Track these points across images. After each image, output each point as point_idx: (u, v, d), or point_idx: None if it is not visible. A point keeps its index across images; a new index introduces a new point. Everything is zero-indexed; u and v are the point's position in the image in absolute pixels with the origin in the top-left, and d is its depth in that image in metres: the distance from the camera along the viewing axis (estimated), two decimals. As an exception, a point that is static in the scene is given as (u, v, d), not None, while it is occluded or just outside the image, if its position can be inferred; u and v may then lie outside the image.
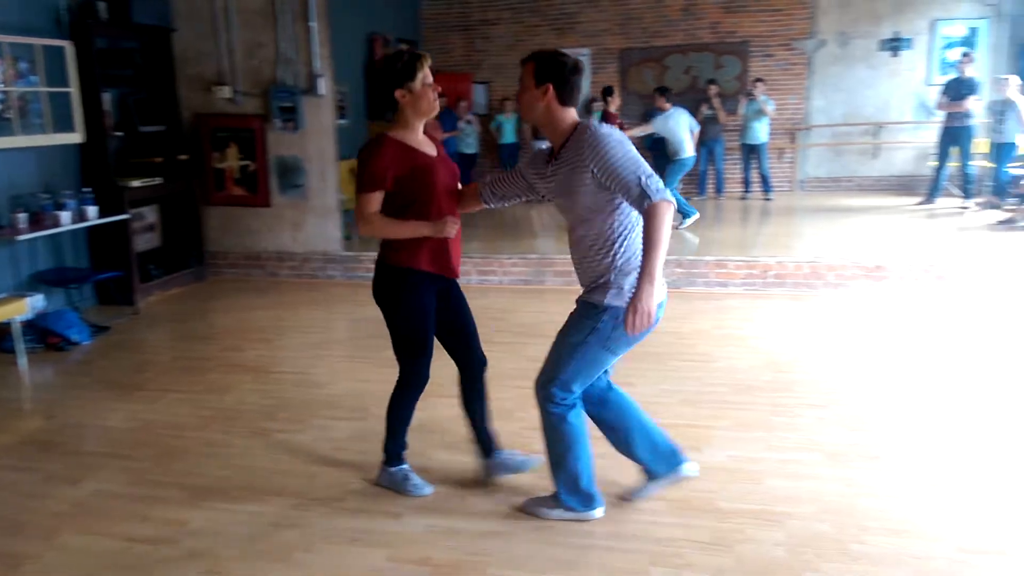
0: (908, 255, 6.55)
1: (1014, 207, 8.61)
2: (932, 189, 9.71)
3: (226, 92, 7.20)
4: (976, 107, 9.25)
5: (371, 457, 3.56)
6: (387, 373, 4.63)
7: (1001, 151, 9.11)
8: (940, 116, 9.62)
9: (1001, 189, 9.14)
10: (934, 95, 10.05)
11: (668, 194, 2.48)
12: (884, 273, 6.25)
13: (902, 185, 11.25)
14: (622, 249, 2.64)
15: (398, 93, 2.97)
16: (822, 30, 11.33)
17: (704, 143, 11.19)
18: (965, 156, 9.33)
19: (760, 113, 10.60)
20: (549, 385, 2.80)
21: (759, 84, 10.69)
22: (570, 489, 2.90)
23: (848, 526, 2.85)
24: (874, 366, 4.58)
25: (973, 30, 10.87)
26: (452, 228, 2.92)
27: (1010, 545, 2.71)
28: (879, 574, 2.56)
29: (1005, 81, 9.10)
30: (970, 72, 9.22)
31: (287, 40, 7.09)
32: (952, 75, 9.61)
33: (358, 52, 10.32)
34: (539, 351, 4.90)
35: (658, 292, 2.50)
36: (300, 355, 5.21)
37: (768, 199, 10.80)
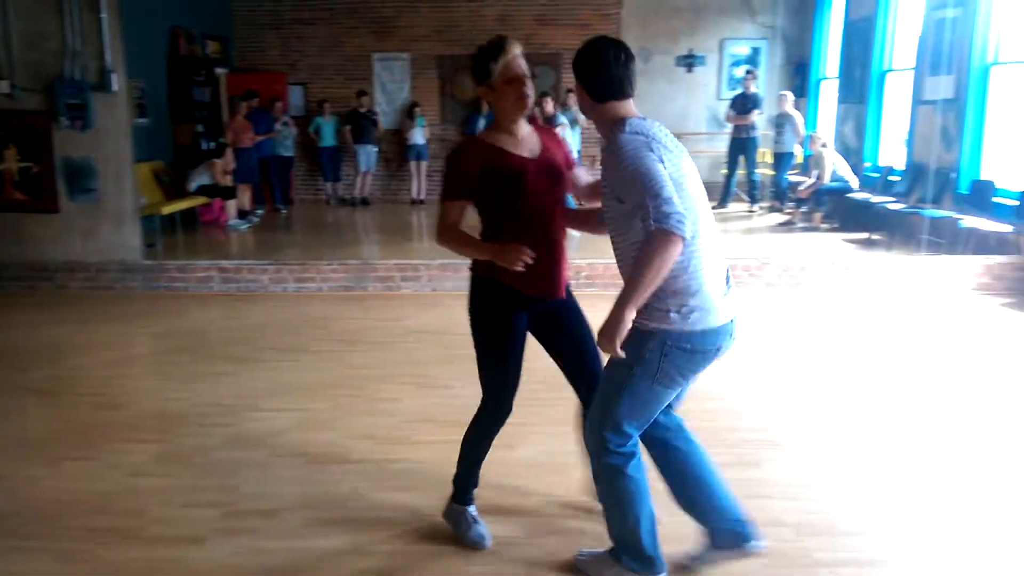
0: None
1: (792, 210, 9.61)
2: (724, 195, 10.62)
3: (3, 87, 6.48)
4: (759, 120, 10.22)
5: (177, 480, 3.35)
6: (196, 390, 4.41)
7: (780, 160, 10.16)
8: (729, 128, 10.54)
9: (781, 194, 10.17)
10: (724, 109, 10.99)
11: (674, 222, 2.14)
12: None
13: (700, 191, 12.21)
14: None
15: (480, 90, 2.69)
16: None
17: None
18: (751, 165, 10.29)
19: (575, 123, 11.08)
20: (600, 430, 2.43)
21: (571, 95, 11.18)
22: (631, 551, 2.52)
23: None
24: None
25: (756, 49, 12.02)
26: (516, 257, 2.45)
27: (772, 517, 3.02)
28: (675, 551, 2.75)
29: (783, 96, 10.15)
30: (753, 88, 10.18)
31: (74, 32, 6.50)
32: (739, 91, 10.56)
33: (159, 46, 9.66)
34: (362, 359, 4.91)
35: (723, 314, 2.31)
36: (95, 374, 4.79)
37: (580, 204, 11.31)
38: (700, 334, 2.28)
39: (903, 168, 9.13)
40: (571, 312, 2.83)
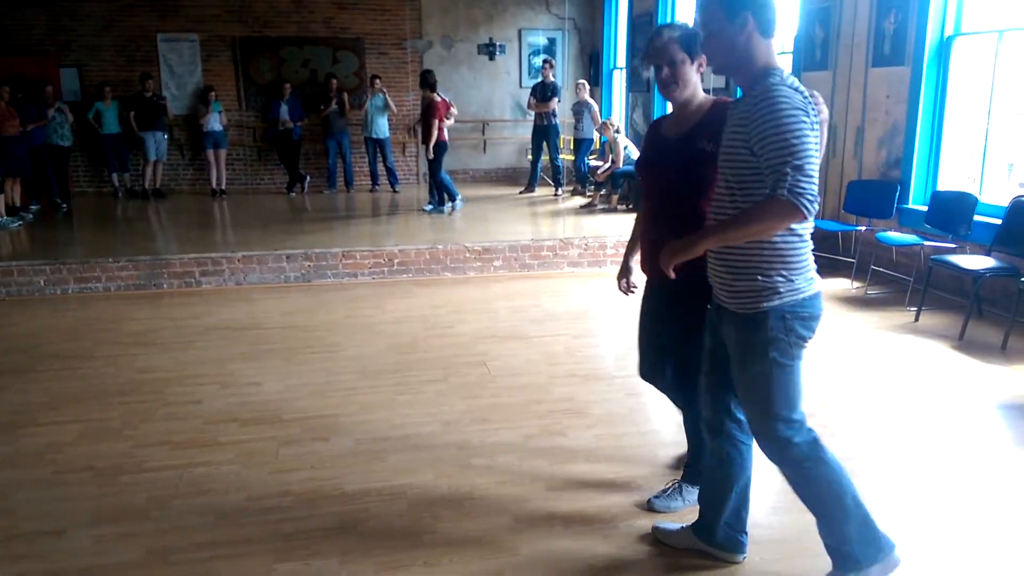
0: (511, 239, 7.33)
1: (592, 193, 10.13)
2: (531, 179, 10.99)
3: None
4: (558, 108, 10.65)
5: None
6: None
7: (580, 146, 10.66)
8: (531, 115, 10.90)
9: (582, 178, 10.69)
10: (526, 96, 11.35)
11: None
12: (492, 255, 6.93)
13: (507, 176, 12.56)
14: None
15: None
16: (429, 32, 12.08)
17: (332, 136, 11.27)
18: (553, 150, 10.70)
19: (384, 109, 10.97)
20: (772, 433, 2.27)
21: (376, 81, 11.05)
22: (865, 541, 2.31)
23: (461, 484, 3.12)
24: (485, 339, 5.06)
25: (552, 39, 12.50)
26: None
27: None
28: (488, 524, 2.85)
29: (580, 85, 10.65)
30: (552, 77, 10.58)
31: None
32: (538, 79, 10.93)
33: None
34: (155, 361, 4.60)
35: (814, 284, 2.22)
36: None
37: (395, 191, 11.25)
38: (811, 298, 2.23)
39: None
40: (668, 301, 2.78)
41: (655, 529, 2.76)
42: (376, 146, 11.24)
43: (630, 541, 2.73)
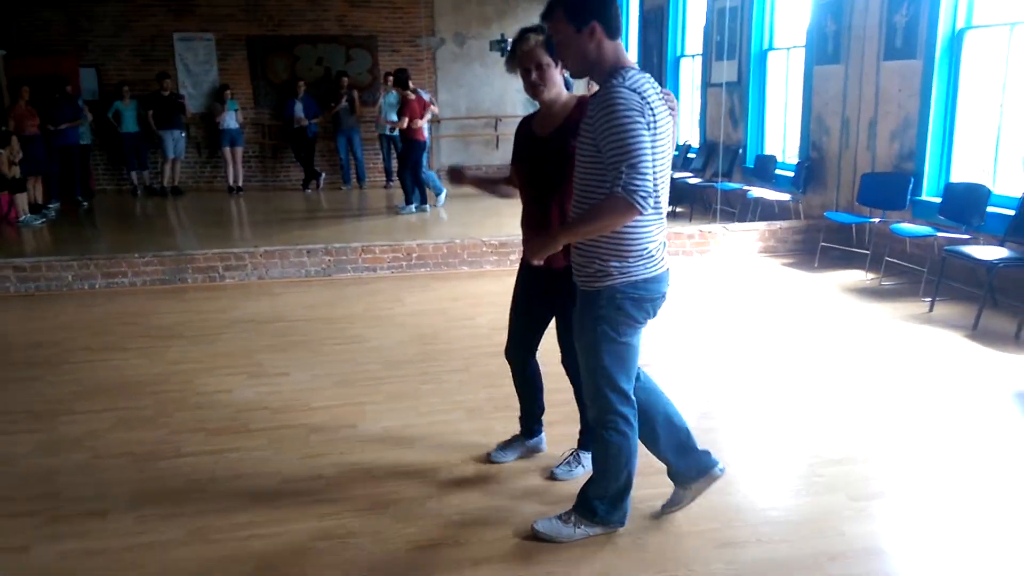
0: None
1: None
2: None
3: None
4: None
5: (-18, 493, 3.10)
6: (-5, 396, 4.05)
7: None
8: (545, 110, 10.97)
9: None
10: (539, 91, 11.41)
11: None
12: (508, 249, 7.02)
13: (520, 171, 12.64)
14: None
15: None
16: (441, 29, 12.18)
17: (341, 132, 11.39)
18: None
19: (396, 105, 11.06)
20: (599, 396, 2.53)
21: (390, 78, 11.15)
22: (612, 503, 2.67)
23: (488, 468, 3.22)
24: (504, 330, 5.14)
25: (565, 36, 12.57)
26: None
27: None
28: (516, 507, 2.95)
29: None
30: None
31: None
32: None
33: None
34: (185, 353, 4.72)
35: (662, 263, 2.45)
36: None
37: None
38: (643, 282, 2.42)
39: (698, 146, 9.98)
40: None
41: (661, 508, 2.87)
42: (390, 143, 11.34)
43: (648, 514, 2.82)
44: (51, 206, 9.47)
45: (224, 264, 6.56)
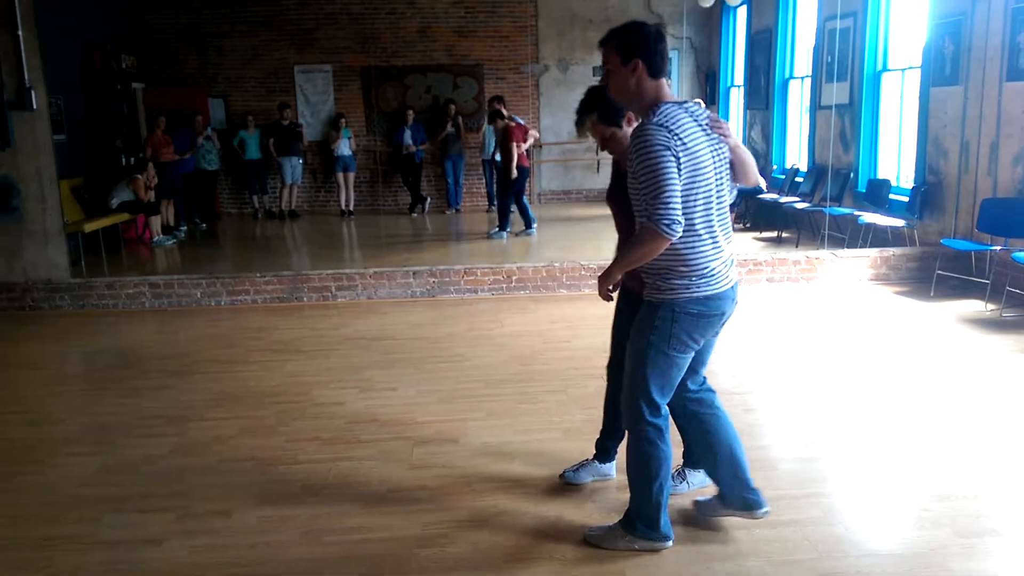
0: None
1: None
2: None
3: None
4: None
5: (127, 489, 3.42)
6: (136, 403, 4.45)
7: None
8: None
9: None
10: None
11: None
12: (608, 273, 7.08)
13: (621, 195, 12.68)
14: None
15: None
16: (545, 56, 12.44)
17: (448, 158, 11.79)
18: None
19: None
20: (632, 403, 2.67)
21: (495, 103, 11.46)
22: (648, 520, 2.77)
23: (584, 488, 3.30)
24: (602, 353, 5.21)
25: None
26: None
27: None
28: (608, 520, 3.01)
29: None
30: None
31: (-12, 49, 6.39)
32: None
33: (73, 62, 9.48)
34: (301, 367, 5.04)
35: (724, 281, 2.57)
36: (27, 394, 4.77)
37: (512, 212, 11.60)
38: (704, 299, 2.55)
39: (807, 169, 9.75)
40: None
41: (697, 504, 3.03)
42: (493, 167, 11.63)
43: (747, 543, 2.82)
44: (182, 228, 10.23)
45: (337, 284, 6.93)
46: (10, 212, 6.62)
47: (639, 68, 2.51)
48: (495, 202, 11.84)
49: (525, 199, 9.46)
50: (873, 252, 7.22)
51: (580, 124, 2.96)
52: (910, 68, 7.98)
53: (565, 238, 8.94)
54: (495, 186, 11.70)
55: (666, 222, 2.39)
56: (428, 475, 3.45)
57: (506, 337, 5.68)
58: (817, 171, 9.34)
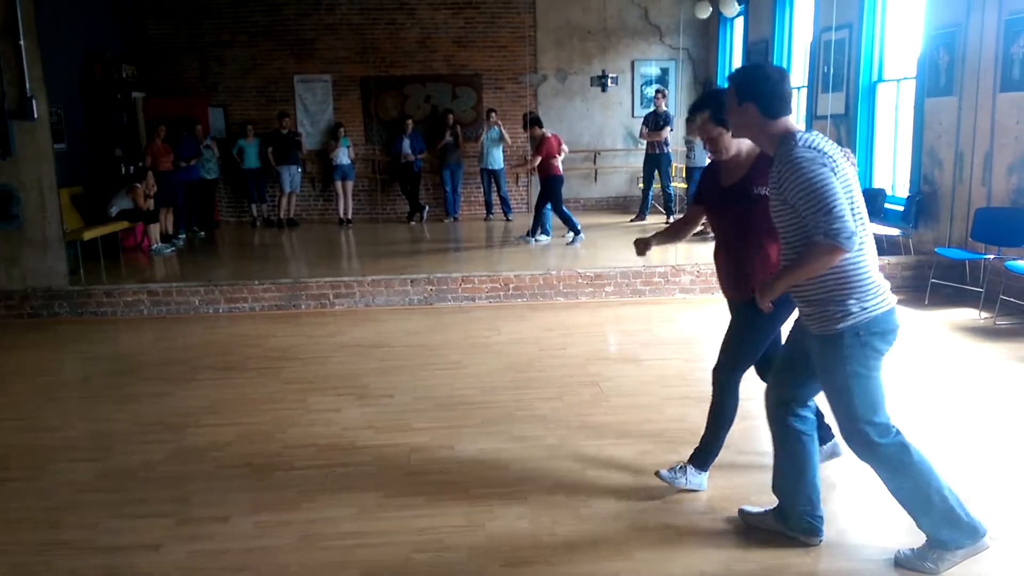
0: (623, 266, 7.49)
1: (705, 222, 10.16)
2: (642, 208, 11.13)
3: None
4: (671, 136, 10.77)
5: (125, 494, 3.44)
6: (134, 410, 4.48)
7: (693, 175, 10.70)
8: (643, 145, 11.07)
9: (694, 206, 10.72)
10: (638, 126, 11.53)
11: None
12: (604, 281, 7.12)
13: (618, 205, 12.74)
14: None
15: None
16: (544, 66, 12.51)
17: (447, 167, 11.84)
18: (665, 179, 10.82)
19: (499, 141, 11.42)
20: (857, 434, 2.66)
21: (492, 114, 11.53)
22: (950, 524, 2.64)
23: (578, 493, 3.32)
24: (597, 360, 5.25)
25: (665, 69, 12.65)
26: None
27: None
28: (603, 530, 3.04)
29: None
30: (664, 106, 10.73)
31: (-10, 59, 6.44)
32: (651, 109, 11.11)
33: (74, 72, 9.53)
34: (299, 374, 5.06)
35: (891, 296, 2.60)
36: (24, 401, 4.79)
37: (508, 220, 11.65)
38: (884, 316, 2.57)
39: (803, 179, 9.78)
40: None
41: (741, 512, 3.03)
42: (491, 176, 11.67)
43: (739, 548, 2.84)
44: (180, 236, 10.26)
45: (334, 292, 6.96)
46: (10, 220, 6.65)
47: (751, 110, 2.61)
48: (492, 211, 11.87)
49: (565, 208, 9.41)
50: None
51: (691, 120, 3.12)
52: (905, 79, 8.05)
53: (562, 246, 8.98)
54: (492, 195, 11.75)
55: (846, 235, 2.40)
56: (424, 481, 3.48)
57: (502, 345, 5.71)
58: (813, 181, 9.37)
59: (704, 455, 3.32)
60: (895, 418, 2.69)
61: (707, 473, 3.33)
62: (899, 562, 2.72)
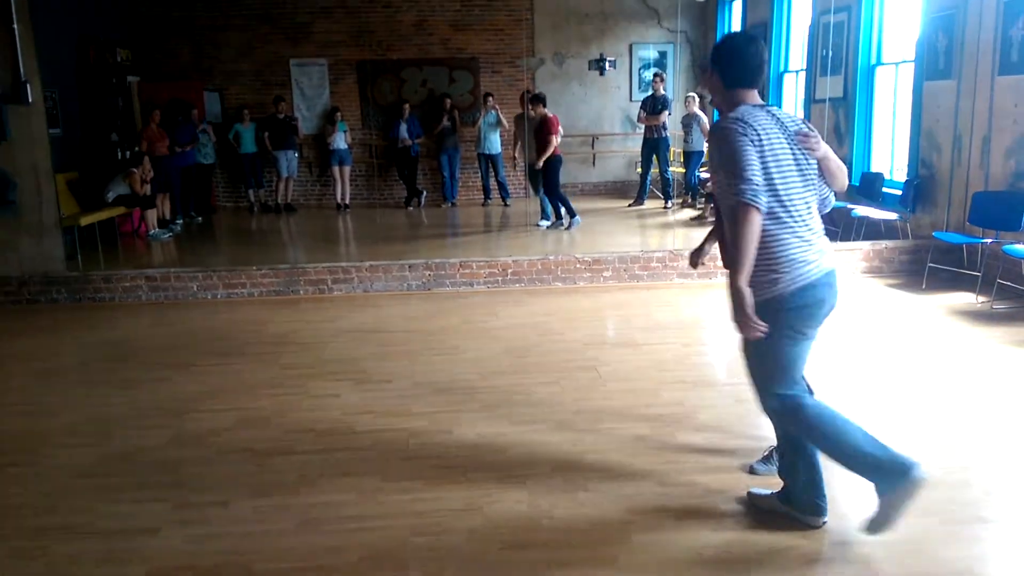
0: (621, 251, 7.49)
1: (703, 205, 10.15)
2: (640, 192, 11.11)
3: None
4: (669, 120, 10.74)
5: (124, 479, 3.45)
6: (132, 395, 4.48)
7: (690, 159, 10.69)
8: (641, 129, 11.04)
9: (692, 191, 10.72)
10: (636, 110, 11.49)
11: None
12: (602, 266, 7.12)
13: (616, 189, 12.71)
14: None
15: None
16: (541, 49, 12.44)
17: (444, 152, 11.79)
18: (663, 163, 10.80)
19: (496, 125, 11.37)
20: (764, 400, 2.82)
21: (490, 98, 11.48)
22: (871, 466, 2.67)
23: (576, 478, 3.34)
24: (595, 345, 5.26)
25: (663, 53, 12.60)
26: None
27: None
28: (601, 514, 3.05)
29: (690, 98, 10.69)
30: (662, 90, 10.69)
31: (-16, 43, 6.39)
32: (648, 93, 11.06)
33: (68, 55, 9.47)
34: (297, 359, 5.06)
35: (816, 268, 2.64)
36: (23, 386, 4.79)
37: (506, 205, 11.63)
38: (800, 291, 2.62)
39: (801, 163, 9.77)
40: None
41: (750, 494, 3.07)
42: (488, 161, 11.64)
43: (737, 531, 2.86)
44: (178, 222, 10.23)
45: (332, 277, 6.95)
46: (6, 206, 6.62)
47: (714, 77, 2.73)
48: (490, 195, 11.84)
49: (562, 191, 9.33)
50: (866, 245, 7.26)
51: (704, 71, 3.08)
52: (904, 62, 8.01)
53: (559, 232, 8.97)
54: (490, 179, 11.70)
55: (750, 194, 2.50)
56: (423, 465, 3.49)
57: (501, 330, 5.71)
58: (811, 165, 9.36)
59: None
60: (821, 391, 2.84)
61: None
62: (867, 527, 2.73)
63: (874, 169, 8.51)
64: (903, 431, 3.73)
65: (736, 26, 11.82)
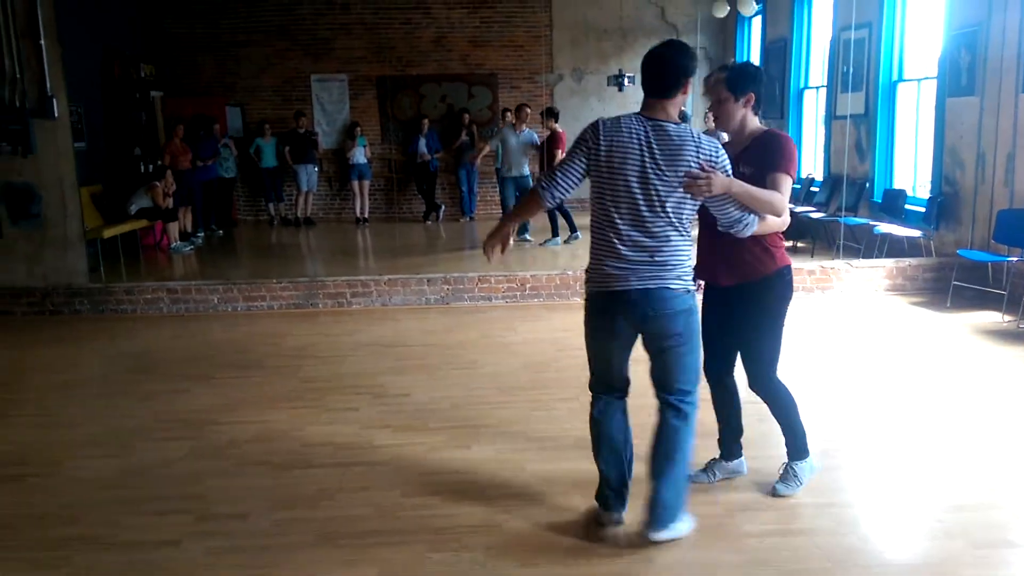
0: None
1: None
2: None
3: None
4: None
5: (144, 491, 3.46)
6: (153, 407, 4.50)
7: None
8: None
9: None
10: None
11: None
12: (621, 281, 7.09)
13: (635, 204, 12.67)
14: None
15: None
16: (560, 65, 12.49)
17: (462, 166, 11.84)
18: (682, 178, 10.72)
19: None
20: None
21: (508, 114, 11.51)
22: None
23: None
24: (615, 362, 5.22)
25: (683, 70, 12.58)
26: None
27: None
28: (623, 531, 3.01)
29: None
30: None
31: (12, 59, 6.50)
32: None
33: (93, 70, 9.63)
34: (316, 372, 5.08)
35: (616, 284, 2.86)
36: (44, 397, 4.83)
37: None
38: (594, 295, 2.92)
39: (822, 179, 9.73)
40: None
41: (774, 494, 3.25)
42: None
43: (748, 551, 2.82)
44: (199, 235, 10.33)
45: (351, 291, 6.98)
46: (32, 218, 6.72)
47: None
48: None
49: (565, 205, 9.35)
50: (889, 262, 7.19)
51: (710, 77, 3.18)
52: (926, 78, 7.96)
53: (578, 246, 8.95)
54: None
55: (542, 184, 2.86)
56: (441, 481, 3.47)
57: (519, 344, 5.70)
58: (832, 181, 9.31)
59: (796, 445, 3.26)
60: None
61: (810, 455, 3.28)
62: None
63: (897, 186, 8.44)
64: (929, 452, 3.67)
65: (756, 42, 11.81)
